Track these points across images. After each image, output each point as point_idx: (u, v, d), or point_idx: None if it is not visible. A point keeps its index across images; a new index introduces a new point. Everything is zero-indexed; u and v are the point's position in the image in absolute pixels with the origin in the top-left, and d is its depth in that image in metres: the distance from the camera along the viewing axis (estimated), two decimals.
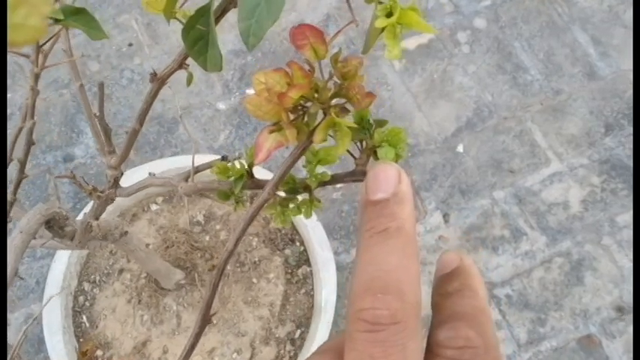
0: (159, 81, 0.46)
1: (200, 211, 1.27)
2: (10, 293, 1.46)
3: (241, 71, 1.79)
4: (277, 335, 1.18)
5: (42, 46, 0.48)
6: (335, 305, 1.18)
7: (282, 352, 1.18)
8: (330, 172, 0.43)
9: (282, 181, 0.40)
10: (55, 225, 0.71)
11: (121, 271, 1.21)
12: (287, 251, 1.25)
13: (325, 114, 0.38)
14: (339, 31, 0.37)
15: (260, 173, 0.47)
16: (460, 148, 1.71)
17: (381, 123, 0.39)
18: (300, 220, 1.25)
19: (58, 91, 1.74)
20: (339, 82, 0.38)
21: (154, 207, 1.28)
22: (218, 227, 1.25)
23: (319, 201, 0.43)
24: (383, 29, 0.37)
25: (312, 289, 1.23)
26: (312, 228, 1.23)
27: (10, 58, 1.78)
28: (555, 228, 1.62)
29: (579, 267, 1.58)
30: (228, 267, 1.20)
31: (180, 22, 0.43)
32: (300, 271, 1.25)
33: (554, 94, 1.81)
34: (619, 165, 1.70)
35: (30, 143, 0.54)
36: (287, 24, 1.86)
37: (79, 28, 0.45)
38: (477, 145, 1.71)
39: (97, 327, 1.18)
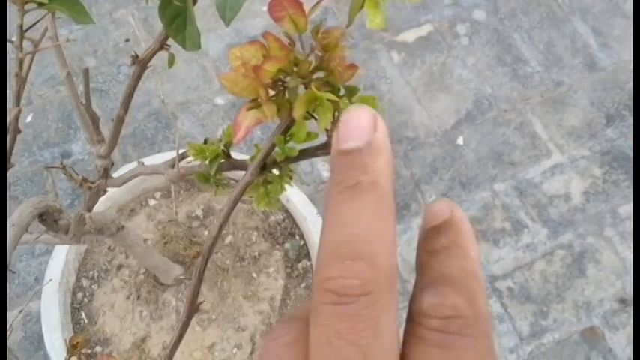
0: (141, 63, 0.45)
1: (198, 205, 1.26)
2: (9, 290, 1.45)
3: None
4: None
5: (26, 30, 0.48)
6: None
7: None
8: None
9: (265, 161, 0.40)
10: (48, 218, 0.70)
11: (119, 267, 1.21)
12: (287, 245, 1.25)
13: (307, 89, 0.37)
14: (320, 1, 0.36)
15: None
16: (460, 141, 1.70)
17: (352, 90, 0.38)
18: (299, 213, 1.24)
19: (54, 88, 1.73)
20: (320, 54, 0.37)
21: (152, 202, 1.28)
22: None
23: (290, 177, 0.42)
24: None
25: (312, 278, 1.23)
26: (311, 222, 1.22)
27: (9, 55, 1.78)
28: (557, 220, 1.61)
29: (581, 259, 1.57)
30: (227, 261, 1.19)
31: None
32: (300, 264, 1.24)
33: (554, 85, 1.79)
34: (620, 156, 1.69)
35: (16, 132, 0.53)
36: None
37: (63, 11, 0.44)
38: (477, 137, 1.70)
39: (95, 323, 1.17)
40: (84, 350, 0.75)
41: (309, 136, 0.40)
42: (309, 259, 1.25)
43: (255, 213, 1.27)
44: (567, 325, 1.49)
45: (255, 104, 0.36)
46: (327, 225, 0.24)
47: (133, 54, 0.45)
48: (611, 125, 1.74)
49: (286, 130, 0.38)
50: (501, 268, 1.54)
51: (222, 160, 0.45)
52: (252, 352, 1.15)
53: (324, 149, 0.40)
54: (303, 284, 1.23)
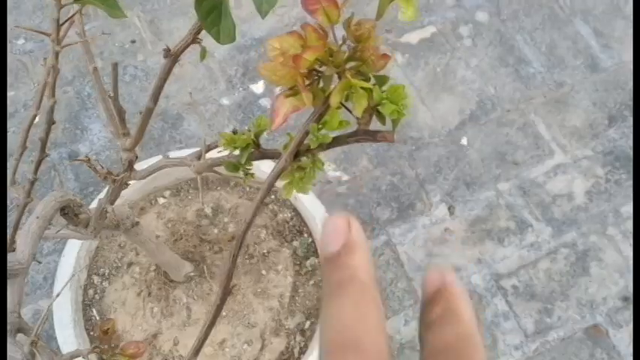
0: (172, 57, 0.46)
1: (208, 204, 1.27)
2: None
3: (244, 67, 1.80)
4: (287, 326, 1.19)
5: (62, 24, 0.49)
6: None
7: (292, 342, 1.18)
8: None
9: (298, 148, 0.41)
10: (69, 212, 0.71)
11: (130, 264, 1.22)
12: (295, 243, 1.26)
13: (340, 78, 0.38)
14: None
15: None
16: (464, 141, 1.71)
17: (382, 80, 0.39)
18: (307, 211, 1.25)
19: (62, 89, 1.75)
20: (352, 45, 0.38)
21: (161, 200, 1.29)
22: (226, 220, 1.25)
23: (322, 163, 0.43)
24: None
25: (321, 280, 1.24)
26: (320, 220, 1.23)
27: (13, 57, 1.79)
28: (560, 219, 1.63)
29: (585, 257, 1.58)
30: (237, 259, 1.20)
31: None
32: (308, 262, 1.25)
33: (556, 86, 1.81)
34: (623, 156, 1.71)
35: (50, 122, 0.54)
36: (289, 20, 1.87)
37: (98, 5, 0.45)
38: (481, 137, 1.72)
39: (107, 320, 1.18)
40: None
41: (341, 124, 0.41)
42: (317, 257, 1.26)
43: (264, 211, 1.28)
44: (571, 322, 1.50)
45: (293, 92, 0.37)
46: (321, 321, 0.28)
47: (165, 47, 0.46)
48: (613, 125, 1.75)
49: (319, 118, 0.40)
50: (506, 266, 1.55)
51: (253, 150, 0.46)
52: (262, 349, 1.16)
53: (355, 136, 0.41)
54: (312, 281, 1.24)
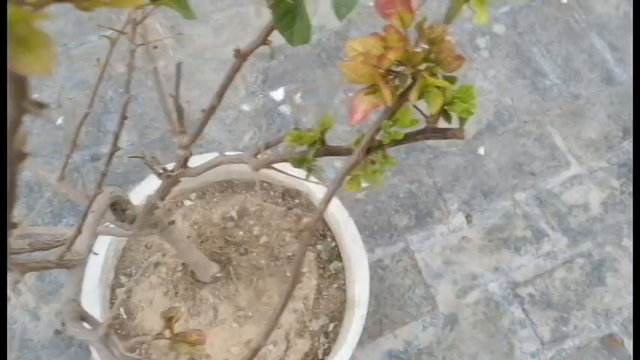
0: (242, 56, 0.48)
1: (233, 207, 1.29)
2: (41, 288, 1.48)
3: (264, 74, 1.82)
4: (311, 328, 1.21)
5: (138, 23, 0.51)
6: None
7: (316, 344, 1.20)
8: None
9: (370, 144, 0.43)
10: (118, 208, 0.74)
11: (156, 264, 1.24)
12: (319, 246, 1.28)
13: (414, 78, 0.40)
14: None
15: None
16: (481, 151, 1.73)
17: (451, 80, 0.42)
18: (332, 216, 1.27)
19: (84, 92, 1.77)
20: (426, 47, 0.40)
21: (187, 202, 1.31)
22: (251, 222, 1.27)
23: (393, 159, 0.46)
24: None
25: (345, 283, 1.26)
26: (343, 224, 1.25)
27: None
28: (576, 229, 1.64)
29: (600, 267, 1.60)
30: (262, 261, 1.23)
31: None
32: (332, 266, 1.27)
33: (572, 98, 1.83)
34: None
35: (123, 118, 0.57)
36: None
37: (172, 6, 0.47)
38: (498, 147, 1.74)
39: (134, 319, 1.20)
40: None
41: (412, 122, 0.43)
42: (340, 261, 1.28)
43: (288, 215, 1.30)
44: (587, 332, 1.52)
45: (372, 90, 0.40)
46: None
47: (236, 47, 0.49)
48: (627, 138, 1.78)
49: (394, 114, 0.42)
50: (523, 275, 1.57)
51: (319, 146, 0.49)
52: (286, 350, 1.18)
53: (424, 134, 0.44)
54: (335, 285, 1.26)
